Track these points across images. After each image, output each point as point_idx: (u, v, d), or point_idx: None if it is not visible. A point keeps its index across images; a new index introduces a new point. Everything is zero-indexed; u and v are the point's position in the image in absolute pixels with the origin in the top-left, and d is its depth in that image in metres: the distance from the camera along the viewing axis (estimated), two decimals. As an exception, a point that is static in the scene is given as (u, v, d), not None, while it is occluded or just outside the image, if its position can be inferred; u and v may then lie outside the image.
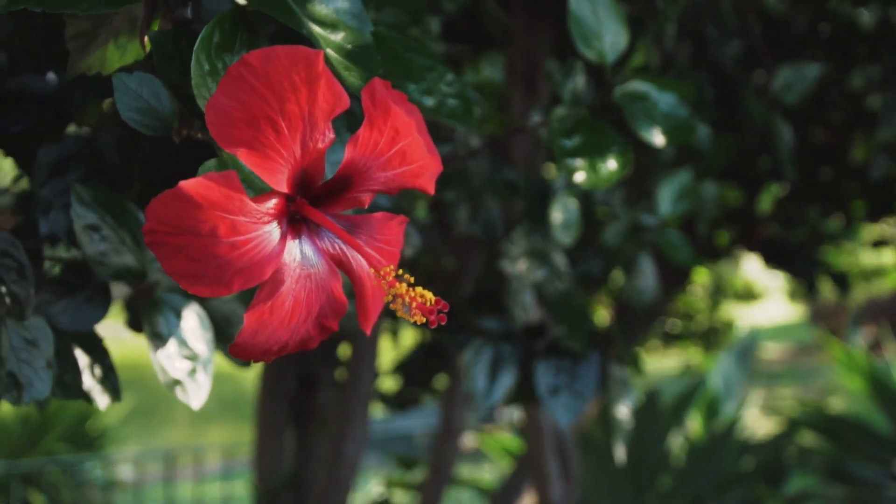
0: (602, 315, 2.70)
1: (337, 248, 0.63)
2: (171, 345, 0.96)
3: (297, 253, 0.61)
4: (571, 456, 2.39)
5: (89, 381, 0.97)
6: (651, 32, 1.10)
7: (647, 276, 1.70)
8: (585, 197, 1.68)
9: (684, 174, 1.63)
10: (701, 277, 4.40)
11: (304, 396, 2.72)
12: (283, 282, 0.60)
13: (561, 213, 1.46)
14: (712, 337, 4.77)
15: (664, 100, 1.09)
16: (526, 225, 1.43)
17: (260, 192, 0.61)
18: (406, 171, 0.63)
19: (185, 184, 0.54)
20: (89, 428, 6.40)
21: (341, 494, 2.43)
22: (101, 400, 0.98)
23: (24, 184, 1.16)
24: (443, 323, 0.59)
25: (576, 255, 1.67)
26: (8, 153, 1.09)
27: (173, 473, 5.52)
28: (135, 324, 1.26)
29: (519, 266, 1.43)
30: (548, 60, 1.10)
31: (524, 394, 1.68)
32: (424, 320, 0.60)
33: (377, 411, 3.34)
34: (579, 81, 1.09)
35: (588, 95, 1.09)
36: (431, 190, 0.65)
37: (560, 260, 1.50)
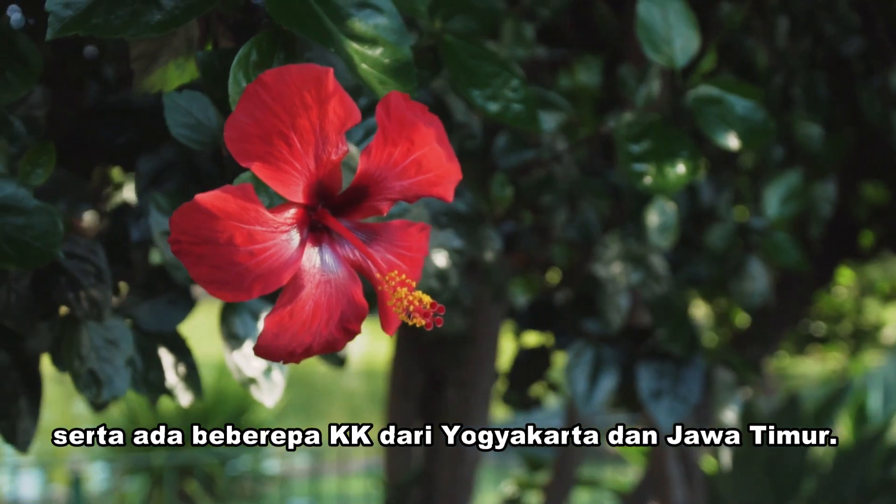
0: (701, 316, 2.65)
1: (357, 254, 0.66)
2: (247, 345, 1.01)
3: (318, 259, 0.65)
4: (695, 460, 2.36)
5: (173, 379, 1.03)
6: (719, 37, 1.09)
7: (757, 279, 1.67)
8: (693, 199, 1.67)
9: (793, 175, 1.60)
10: (846, 279, 4.25)
11: (432, 395, 2.76)
12: (303, 287, 0.64)
13: (658, 216, 1.45)
14: (859, 340, 4.60)
15: (740, 103, 1.08)
16: (620, 228, 1.43)
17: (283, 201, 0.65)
18: (422, 179, 0.66)
19: (201, 196, 0.59)
20: (245, 421, 6.63)
21: (464, 492, 2.47)
22: (184, 397, 1.04)
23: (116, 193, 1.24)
24: (439, 325, 0.62)
25: (682, 258, 1.66)
26: (113, 163, 1.17)
27: (320, 468, 5.67)
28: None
29: (613, 269, 1.44)
30: (622, 66, 1.11)
31: (627, 397, 1.68)
32: (423, 322, 0.62)
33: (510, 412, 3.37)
34: (654, 87, 1.10)
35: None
36: (450, 198, 0.67)
37: (658, 263, 1.49)
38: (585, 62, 1.28)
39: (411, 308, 0.62)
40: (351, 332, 0.67)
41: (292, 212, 0.63)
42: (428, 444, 2.71)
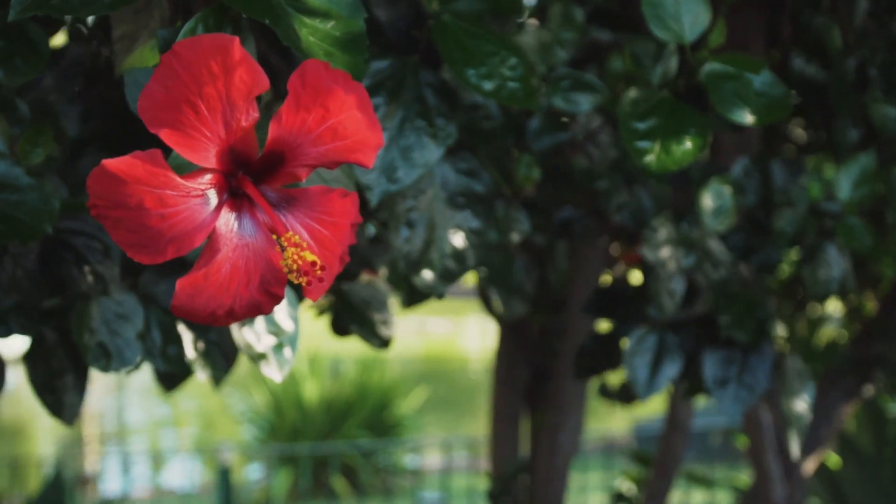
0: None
1: (277, 219, 0.69)
2: (259, 322, 1.05)
3: (236, 224, 0.67)
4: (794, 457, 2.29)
5: (192, 355, 1.08)
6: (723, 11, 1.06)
7: (834, 266, 1.61)
8: (765, 182, 1.63)
9: (866, 157, 1.54)
10: None
11: (536, 386, 2.76)
12: (219, 250, 0.66)
13: (713, 199, 1.42)
14: None
15: (758, 78, 1.05)
16: (676, 212, 1.41)
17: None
18: (339, 146, 0.67)
19: (108, 161, 0.62)
20: (387, 416, 6.74)
21: (558, 484, 2.46)
22: (202, 372, 1.08)
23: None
24: (319, 283, 0.64)
25: (755, 243, 1.62)
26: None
27: (451, 463, 5.71)
28: (338, 328, 1.37)
29: (662, 253, 1.42)
30: (632, 42, 1.10)
31: (692, 385, 1.65)
32: (304, 281, 0.64)
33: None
34: (671, 65, 1.08)
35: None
36: (369, 164, 0.69)
37: (716, 247, 1.46)
38: (638, 44, 1.26)
39: (295, 267, 0.64)
40: (274, 296, 0.69)
41: (208, 177, 0.66)
42: (533, 436, 2.70)
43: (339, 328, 1.36)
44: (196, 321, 0.68)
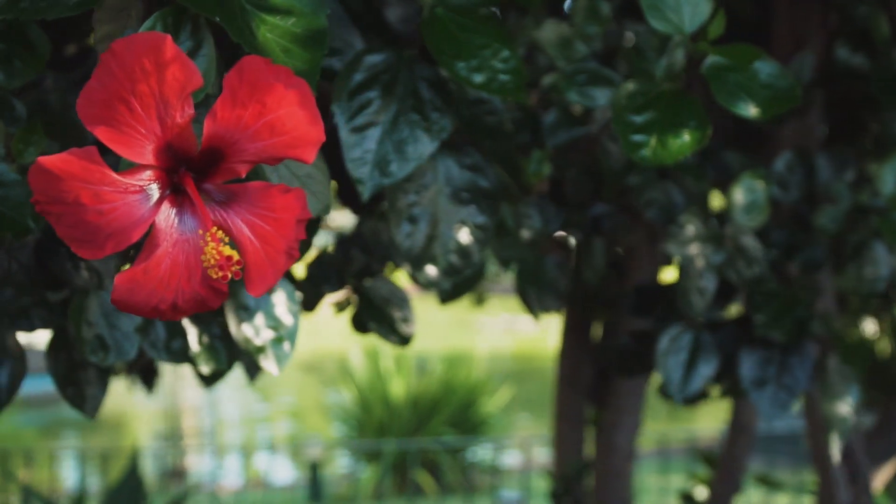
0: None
1: (218, 214, 0.69)
2: (259, 317, 1.06)
3: (177, 220, 0.68)
4: (860, 458, 2.22)
5: (196, 349, 1.09)
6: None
7: (881, 264, 1.56)
8: (808, 177, 1.59)
9: (911, 151, 1.49)
10: None
11: (599, 385, 2.74)
12: (158, 245, 0.67)
13: (744, 193, 1.39)
14: None
15: (764, 69, 1.02)
16: (697, 207, 1.38)
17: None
18: (277, 142, 0.68)
19: (43, 158, 0.63)
20: (473, 414, 6.75)
21: (617, 484, 2.43)
22: (205, 366, 1.09)
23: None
24: (236, 278, 0.64)
25: (798, 240, 1.58)
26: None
27: (530, 462, 5.69)
28: (358, 325, 1.38)
29: (690, 250, 1.39)
30: (637, 33, 1.08)
31: (729, 386, 1.61)
32: (219, 275, 0.65)
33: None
34: (677, 57, 1.06)
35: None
36: (309, 160, 0.69)
37: (750, 244, 1.43)
38: (643, 37, 1.24)
39: (213, 262, 0.64)
40: (218, 291, 0.70)
41: (147, 174, 0.67)
42: (597, 435, 2.68)
43: (360, 325, 1.36)
44: (140, 315, 0.69)
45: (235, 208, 0.70)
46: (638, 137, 0.99)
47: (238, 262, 0.65)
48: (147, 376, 2.08)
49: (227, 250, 0.64)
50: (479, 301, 4.42)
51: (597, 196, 1.58)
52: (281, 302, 1.07)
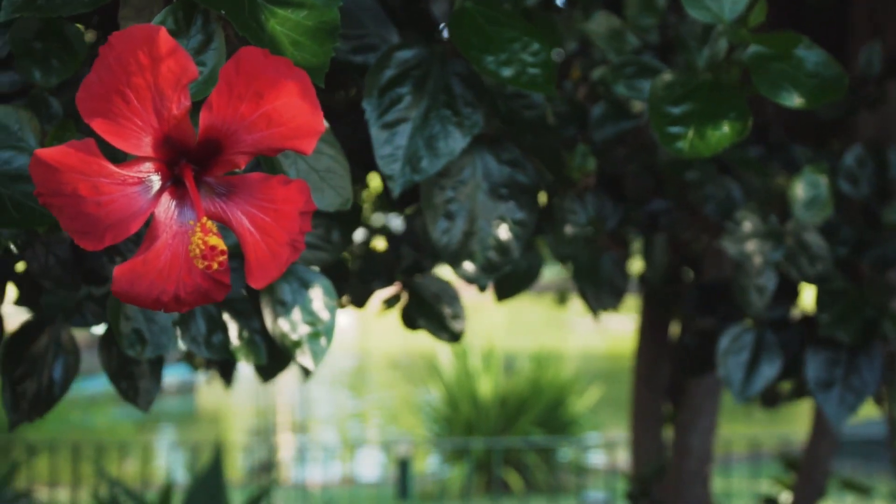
0: None
1: (218, 206, 0.69)
2: (296, 312, 1.06)
3: (176, 211, 0.68)
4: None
5: (236, 343, 1.10)
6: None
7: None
8: (879, 173, 1.53)
9: None
10: None
11: (676, 387, 2.69)
12: (158, 237, 0.67)
13: (804, 189, 1.35)
14: None
15: (811, 57, 0.99)
16: (755, 203, 1.34)
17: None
18: (275, 133, 0.67)
19: (40, 151, 0.64)
20: (562, 413, 6.71)
21: (693, 487, 2.38)
22: (245, 360, 1.10)
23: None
24: (221, 268, 0.64)
25: (868, 236, 1.52)
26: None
27: (616, 463, 5.62)
28: (408, 321, 1.38)
29: (747, 247, 1.35)
30: (680, 23, 1.05)
31: (794, 388, 1.56)
32: (204, 265, 0.64)
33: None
34: (720, 47, 1.03)
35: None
36: (307, 151, 0.68)
37: (814, 240, 1.38)
38: (686, 27, 1.21)
39: (198, 251, 0.64)
40: (220, 283, 0.70)
41: (146, 165, 0.67)
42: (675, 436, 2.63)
43: (409, 322, 1.36)
44: (143, 307, 0.69)
45: (236, 200, 0.70)
46: (675, 129, 0.97)
47: (223, 253, 0.64)
48: (225, 370, 2.10)
49: (213, 240, 0.64)
50: (562, 300, 4.38)
51: (656, 192, 1.55)
52: (318, 297, 1.07)
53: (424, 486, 6.36)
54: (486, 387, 6.73)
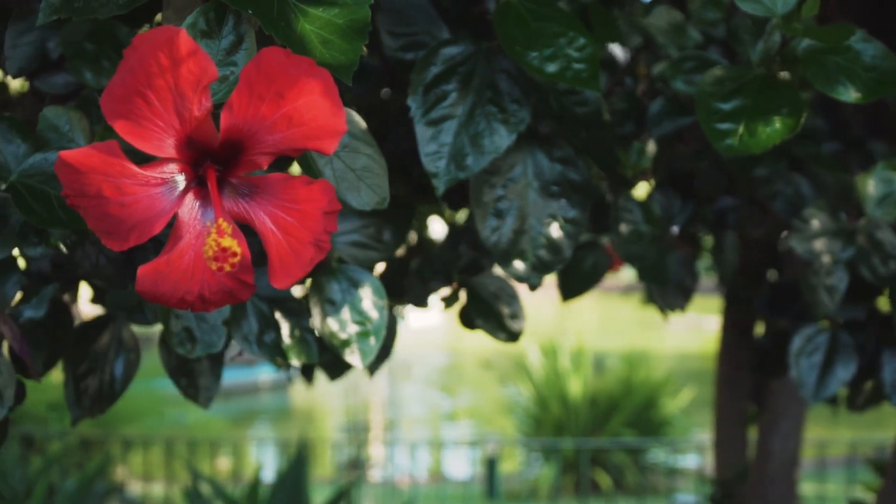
0: None
1: (241, 206, 0.69)
2: (345, 311, 1.06)
3: (199, 211, 0.69)
4: None
5: (288, 342, 1.10)
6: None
7: None
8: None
9: None
10: None
11: (760, 387, 2.63)
12: (181, 237, 0.68)
13: (876, 186, 1.30)
14: None
15: (868, 50, 0.95)
16: (824, 200, 1.30)
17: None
18: (296, 133, 0.67)
19: (65, 153, 0.65)
20: (654, 414, 6.63)
21: (775, 492, 2.33)
22: (296, 359, 1.10)
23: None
24: (234, 270, 0.64)
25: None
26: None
27: (706, 465, 5.52)
28: (466, 321, 1.37)
29: (815, 245, 1.31)
30: (736, 17, 1.02)
31: (872, 391, 1.51)
32: (215, 267, 0.64)
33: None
34: (774, 41, 1.00)
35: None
36: (328, 151, 0.68)
37: (888, 238, 1.33)
38: (739, 20, 1.18)
39: (210, 253, 0.64)
40: (245, 283, 0.70)
41: (170, 166, 0.67)
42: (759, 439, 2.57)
43: (467, 321, 1.35)
44: (169, 306, 0.70)
45: (258, 200, 0.70)
46: (724, 126, 0.94)
47: (234, 254, 0.64)
48: (306, 369, 2.10)
49: (226, 242, 0.64)
50: (649, 299, 4.31)
51: (728, 189, 1.52)
52: (367, 296, 1.07)
53: (513, 486, 6.34)
54: (575, 387, 6.68)
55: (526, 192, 1.09)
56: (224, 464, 5.97)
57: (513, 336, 1.33)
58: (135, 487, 5.33)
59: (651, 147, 1.22)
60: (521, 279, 1.10)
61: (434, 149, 0.99)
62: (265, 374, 8.84)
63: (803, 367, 1.43)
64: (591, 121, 1.09)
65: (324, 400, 9.07)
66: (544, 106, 1.06)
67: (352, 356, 1.05)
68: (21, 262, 1.18)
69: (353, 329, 1.06)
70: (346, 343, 1.06)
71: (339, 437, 7.64)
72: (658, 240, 1.42)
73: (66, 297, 1.23)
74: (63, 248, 0.92)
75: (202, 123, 0.66)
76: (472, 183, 1.07)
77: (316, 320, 1.06)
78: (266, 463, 6.07)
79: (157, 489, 5.26)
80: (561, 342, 7.14)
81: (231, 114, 0.66)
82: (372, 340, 1.06)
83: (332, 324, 1.06)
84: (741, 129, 0.93)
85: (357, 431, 7.68)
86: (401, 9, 1.09)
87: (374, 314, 1.07)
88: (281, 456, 5.78)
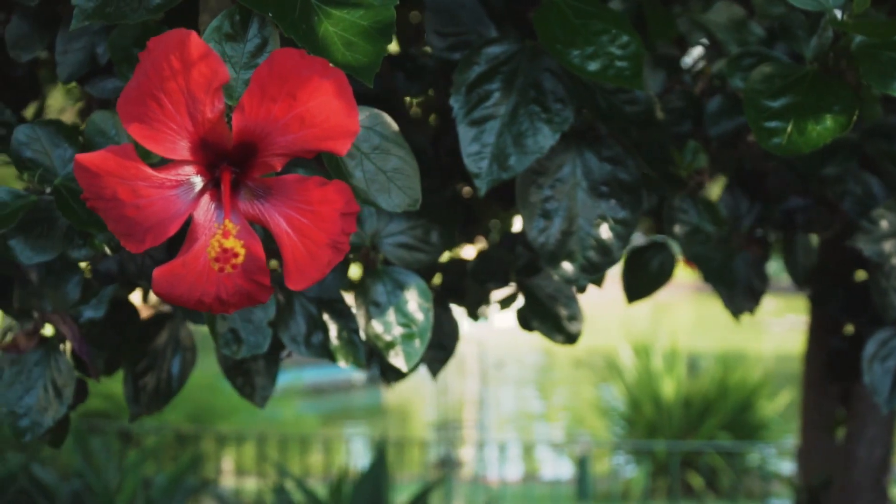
0: None
1: (257, 208, 0.69)
2: (390, 313, 1.05)
3: (215, 213, 0.69)
4: None
5: (335, 343, 1.11)
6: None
7: None
8: None
9: None
10: None
11: (846, 391, 2.56)
12: (196, 239, 0.68)
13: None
14: None
15: (931, 45, 0.91)
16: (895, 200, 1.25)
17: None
18: (308, 134, 0.66)
19: (80, 156, 0.66)
20: (750, 417, 6.49)
21: (862, 498, 2.25)
22: (343, 360, 1.10)
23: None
24: (234, 270, 0.63)
25: None
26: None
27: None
28: (523, 322, 1.36)
29: (885, 247, 1.26)
30: (788, 14, 0.98)
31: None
32: (217, 267, 0.64)
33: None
34: (827, 37, 0.96)
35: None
36: (341, 152, 0.67)
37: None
38: (793, 15, 1.14)
39: (213, 254, 0.64)
40: (261, 285, 0.70)
41: (185, 169, 0.68)
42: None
43: (524, 323, 1.33)
44: (187, 307, 0.70)
45: (273, 202, 0.70)
46: (772, 124, 0.91)
47: (235, 255, 0.64)
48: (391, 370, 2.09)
49: (229, 243, 0.64)
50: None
51: (802, 189, 1.47)
52: (413, 298, 1.06)
53: (605, 487, 6.28)
54: (668, 387, 6.57)
55: (574, 192, 1.07)
56: (316, 460, 6.03)
57: (570, 338, 1.32)
58: (228, 482, 5.43)
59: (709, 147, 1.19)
60: (569, 281, 1.08)
61: (476, 149, 0.98)
62: (359, 371, 8.91)
63: (877, 373, 1.38)
64: (641, 120, 1.07)
65: (417, 398, 9.12)
66: (592, 105, 1.05)
67: (396, 358, 1.05)
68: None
69: (397, 331, 1.06)
70: (390, 345, 1.05)
71: (430, 435, 7.67)
72: (724, 241, 1.39)
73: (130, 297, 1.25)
74: (108, 250, 0.93)
75: (215, 126, 0.66)
76: (518, 183, 1.06)
77: (360, 322, 1.06)
78: (358, 460, 6.12)
79: (250, 484, 5.34)
80: (654, 342, 7.04)
81: (243, 115, 0.66)
82: (417, 343, 1.06)
83: (377, 326, 1.05)
84: (790, 128, 0.90)
85: (448, 430, 7.69)
86: (448, 8, 1.08)
87: (419, 316, 1.06)
88: (372, 453, 5.83)
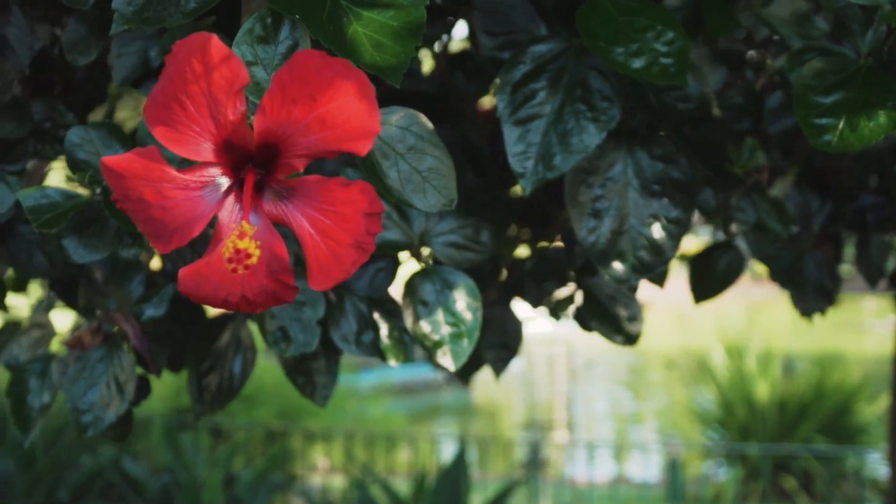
0: None
1: (280, 209, 0.70)
2: (439, 313, 1.05)
3: (237, 214, 0.69)
4: None
5: (386, 343, 1.11)
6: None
7: None
8: None
9: None
10: None
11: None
12: (221, 240, 0.69)
13: None
14: None
15: None
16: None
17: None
18: (329, 135, 0.66)
19: (107, 158, 0.67)
20: (848, 421, 6.34)
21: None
22: (393, 359, 1.10)
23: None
24: (246, 272, 0.64)
25: None
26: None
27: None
28: (582, 322, 1.35)
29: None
30: (843, 8, 0.95)
31: None
32: (230, 268, 0.64)
33: None
34: (882, 31, 0.93)
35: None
36: (362, 152, 0.67)
37: None
38: (847, 8, 1.10)
39: (227, 254, 0.64)
40: (286, 285, 0.70)
41: (210, 170, 0.69)
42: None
43: (583, 323, 1.32)
44: (214, 307, 0.71)
45: (296, 203, 0.70)
46: (823, 121, 0.88)
47: (248, 256, 0.65)
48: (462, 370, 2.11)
49: (243, 244, 0.65)
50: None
51: (878, 187, 1.43)
52: (462, 298, 1.06)
53: (697, 490, 6.19)
54: (762, 390, 6.45)
55: (625, 191, 1.05)
56: (402, 458, 6.07)
57: (630, 339, 1.30)
58: (316, 480, 5.49)
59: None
60: (620, 280, 1.06)
61: (521, 149, 0.97)
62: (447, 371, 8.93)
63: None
64: (695, 117, 1.05)
65: (506, 398, 9.11)
66: (643, 103, 1.03)
67: (444, 358, 1.05)
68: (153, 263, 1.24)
69: (445, 331, 1.05)
70: (438, 344, 1.05)
71: (519, 435, 7.66)
72: (794, 240, 1.35)
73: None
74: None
75: (238, 128, 0.67)
76: (567, 183, 1.05)
77: (408, 321, 1.05)
78: (445, 458, 6.14)
79: (337, 481, 5.40)
80: (747, 343, 6.90)
81: (264, 117, 0.67)
82: (465, 342, 1.05)
83: (425, 325, 1.05)
84: (841, 124, 0.87)
85: (537, 429, 7.67)
86: (497, 8, 1.07)
87: (467, 316, 1.06)
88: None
